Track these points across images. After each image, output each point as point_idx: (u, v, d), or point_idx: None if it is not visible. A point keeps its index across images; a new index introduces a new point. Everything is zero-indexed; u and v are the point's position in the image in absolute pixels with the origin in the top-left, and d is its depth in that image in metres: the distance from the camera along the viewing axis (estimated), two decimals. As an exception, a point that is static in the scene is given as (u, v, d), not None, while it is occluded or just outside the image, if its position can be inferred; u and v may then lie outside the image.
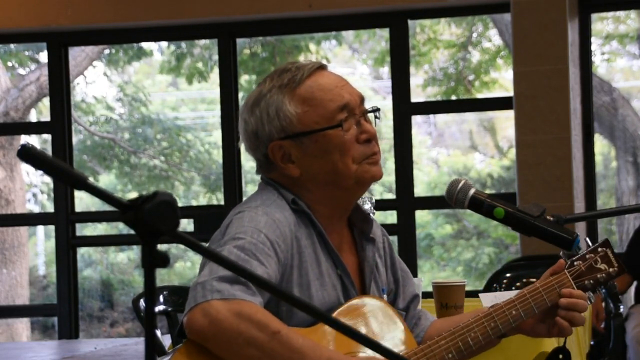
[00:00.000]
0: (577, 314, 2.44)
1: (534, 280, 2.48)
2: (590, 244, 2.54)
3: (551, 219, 2.56)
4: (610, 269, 2.52)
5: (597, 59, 10.51)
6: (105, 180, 12.05)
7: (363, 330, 2.35)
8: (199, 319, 2.11)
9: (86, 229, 10.58)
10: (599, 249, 2.53)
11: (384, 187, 11.25)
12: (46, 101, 10.19)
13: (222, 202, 7.32)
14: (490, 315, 2.42)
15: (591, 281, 2.50)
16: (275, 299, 2.26)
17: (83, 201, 9.89)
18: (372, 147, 2.41)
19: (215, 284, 2.13)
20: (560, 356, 2.68)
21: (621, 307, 5.03)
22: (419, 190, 11.00)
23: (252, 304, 2.14)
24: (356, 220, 2.52)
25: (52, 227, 7.67)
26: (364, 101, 2.46)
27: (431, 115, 12.19)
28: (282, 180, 2.43)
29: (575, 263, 2.51)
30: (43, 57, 10.74)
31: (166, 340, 3.29)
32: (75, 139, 9.45)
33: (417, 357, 2.36)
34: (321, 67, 2.45)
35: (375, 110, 2.46)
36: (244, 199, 2.47)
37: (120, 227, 8.50)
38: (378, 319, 2.40)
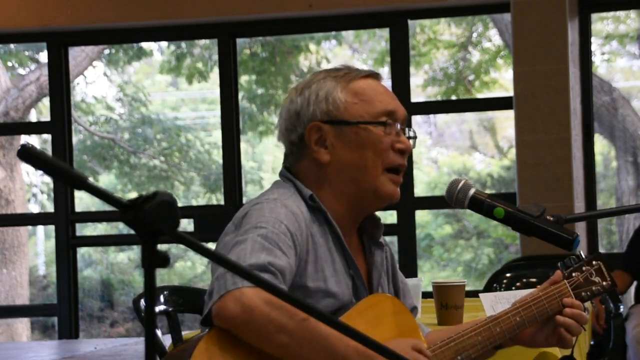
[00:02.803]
0: (577, 325, 2.48)
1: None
2: (583, 256, 2.57)
3: (551, 219, 2.56)
4: (604, 283, 2.57)
5: (597, 59, 10.51)
6: (105, 180, 12.05)
7: (382, 327, 2.36)
8: (231, 306, 2.13)
9: (86, 229, 10.58)
10: (594, 262, 2.58)
11: (384, 187, 11.23)
12: (46, 101, 10.19)
13: (222, 202, 7.30)
14: (497, 320, 2.45)
15: (588, 293, 2.55)
16: (290, 291, 2.29)
17: (83, 201, 9.89)
18: (402, 158, 2.47)
19: None
20: None
21: (621, 307, 5.06)
22: (419, 190, 11.00)
23: None
24: (367, 225, 2.54)
25: (52, 227, 7.66)
26: (406, 120, 2.52)
27: (431, 115, 12.19)
28: (305, 172, 2.46)
29: (573, 274, 2.56)
30: (43, 57, 10.74)
31: (166, 340, 3.29)
32: (75, 139, 9.44)
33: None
34: (377, 75, 2.52)
35: (414, 137, 2.50)
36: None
37: (120, 227, 8.49)
38: (397, 317, 2.40)
